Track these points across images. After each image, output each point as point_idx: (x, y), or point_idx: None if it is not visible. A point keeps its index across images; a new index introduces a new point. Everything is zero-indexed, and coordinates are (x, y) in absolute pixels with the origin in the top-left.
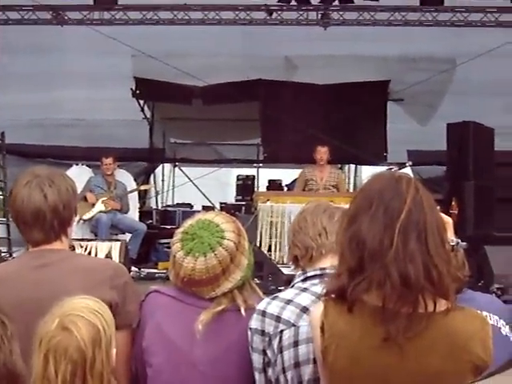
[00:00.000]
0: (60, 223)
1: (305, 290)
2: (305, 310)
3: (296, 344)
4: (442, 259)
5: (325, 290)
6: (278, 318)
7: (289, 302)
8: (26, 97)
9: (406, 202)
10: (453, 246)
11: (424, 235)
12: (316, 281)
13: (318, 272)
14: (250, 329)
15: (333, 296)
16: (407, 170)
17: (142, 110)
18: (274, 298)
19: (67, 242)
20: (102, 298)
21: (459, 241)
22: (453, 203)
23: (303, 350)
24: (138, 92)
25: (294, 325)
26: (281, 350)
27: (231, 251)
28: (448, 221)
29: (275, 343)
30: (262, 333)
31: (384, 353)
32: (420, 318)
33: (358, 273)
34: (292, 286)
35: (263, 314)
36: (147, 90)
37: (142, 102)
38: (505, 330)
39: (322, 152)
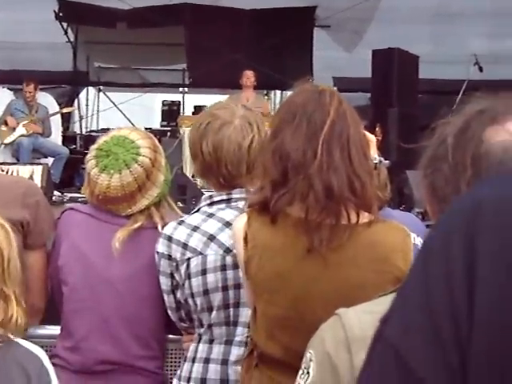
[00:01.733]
0: None
1: (211, 215)
2: (212, 237)
3: (204, 272)
4: (365, 171)
5: (248, 202)
6: (184, 245)
7: (195, 228)
8: None
9: (329, 114)
10: (376, 163)
11: (347, 147)
12: (222, 205)
13: (225, 197)
14: (157, 252)
15: (256, 208)
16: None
17: (66, 32)
18: (180, 223)
19: None
20: (14, 217)
21: (382, 159)
22: (377, 129)
23: (211, 279)
24: (61, 14)
25: (201, 253)
26: (189, 276)
27: (147, 168)
28: (371, 139)
29: (182, 269)
30: (169, 257)
31: (307, 264)
32: (343, 230)
33: (281, 185)
34: (198, 210)
35: (169, 239)
36: (71, 12)
37: (65, 24)
38: (418, 240)
39: (249, 75)
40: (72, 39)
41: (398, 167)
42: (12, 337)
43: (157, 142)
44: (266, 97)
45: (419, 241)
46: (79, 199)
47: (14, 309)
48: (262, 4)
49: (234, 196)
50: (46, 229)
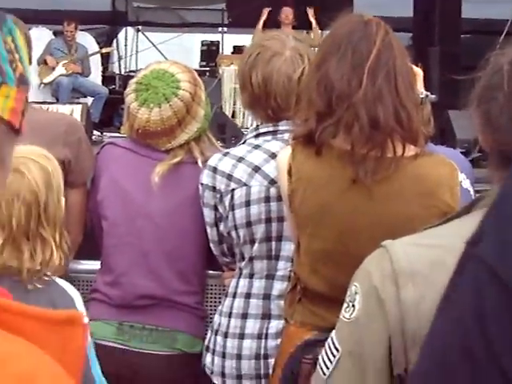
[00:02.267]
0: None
1: (257, 147)
2: (257, 169)
3: (248, 204)
4: (412, 103)
5: (292, 134)
6: (229, 176)
7: (240, 159)
8: None
9: (375, 44)
10: (422, 98)
11: (394, 77)
12: (269, 137)
13: (271, 128)
14: (202, 184)
15: (300, 140)
16: None
17: None
18: (225, 154)
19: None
20: (55, 156)
21: (428, 93)
22: (419, 68)
23: (255, 210)
24: None
25: (245, 184)
26: (232, 208)
27: (187, 102)
28: (418, 72)
29: (226, 200)
30: (213, 189)
31: (352, 195)
32: (389, 162)
33: (326, 116)
34: (244, 142)
35: (214, 170)
36: None
37: None
38: (466, 183)
39: (287, 11)
40: None
41: (439, 106)
42: (51, 277)
43: (197, 75)
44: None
45: (463, 177)
46: (119, 138)
47: (53, 251)
48: None
49: (280, 128)
50: (87, 167)
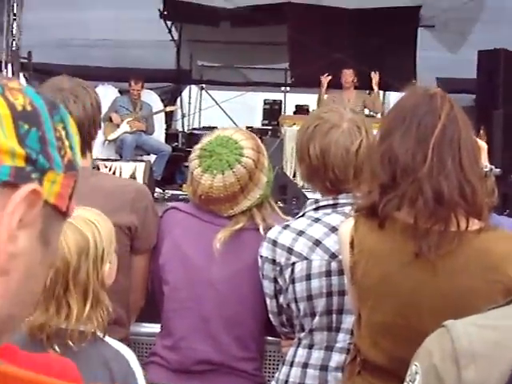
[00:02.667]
0: (84, 139)
1: (317, 220)
2: (317, 242)
3: (309, 277)
4: (476, 177)
5: (355, 206)
6: (289, 250)
7: (301, 233)
8: (53, 16)
9: (440, 118)
10: (486, 171)
11: (458, 152)
12: (329, 210)
13: (331, 201)
14: (261, 256)
15: (363, 212)
16: None
17: (170, 31)
18: (285, 227)
19: (90, 156)
20: (122, 222)
21: (493, 167)
22: (481, 132)
23: (316, 284)
24: (165, 13)
25: (306, 258)
26: (293, 281)
27: (250, 169)
28: (482, 146)
29: (287, 274)
30: (273, 262)
31: (415, 269)
32: (452, 236)
33: (390, 189)
34: (303, 215)
35: (274, 243)
36: (175, 10)
37: (169, 23)
38: None
39: (348, 74)
40: (176, 37)
41: (502, 171)
42: (101, 335)
43: (260, 142)
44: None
45: None
46: (180, 196)
47: (78, 317)
48: (365, 3)
49: (340, 201)
50: (152, 233)
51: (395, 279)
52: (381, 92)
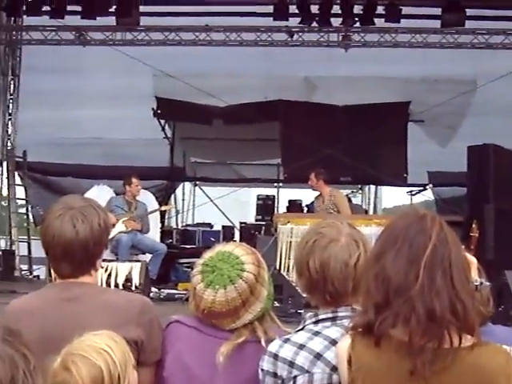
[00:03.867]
0: (89, 259)
1: (317, 333)
2: (318, 356)
3: None
4: (467, 294)
5: (352, 324)
6: (291, 363)
7: (301, 346)
8: (47, 116)
9: (430, 238)
10: (477, 285)
11: (449, 270)
12: (328, 323)
13: (330, 315)
14: (262, 370)
15: (359, 330)
16: (428, 192)
17: (163, 129)
18: (285, 341)
19: (96, 275)
20: (128, 336)
21: (483, 281)
22: (473, 226)
23: None
24: (159, 112)
25: (307, 371)
26: None
27: (251, 283)
28: (472, 261)
29: None
30: (275, 375)
31: None
32: (446, 353)
33: (384, 308)
34: (303, 328)
35: (275, 356)
36: (168, 109)
37: (162, 121)
38: None
39: (311, 178)
40: (169, 135)
41: (495, 266)
42: None
43: (260, 256)
44: (360, 191)
45: None
46: (176, 295)
47: None
48: (356, 100)
49: (339, 314)
50: (158, 347)
51: None
52: (372, 187)
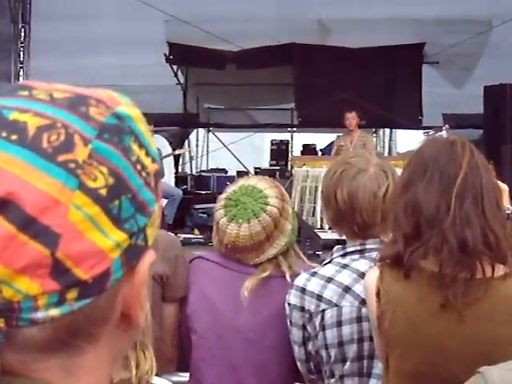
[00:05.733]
0: None
1: (345, 266)
2: (347, 289)
3: (339, 324)
4: (499, 223)
5: (380, 256)
6: (319, 297)
7: (329, 280)
8: (57, 63)
9: (461, 167)
10: (508, 214)
11: (481, 199)
12: (356, 256)
13: (358, 247)
14: (289, 304)
15: (388, 262)
16: (443, 134)
17: (176, 75)
18: (313, 275)
19: None
20: (153, 271)
21: None
22: (490, 166)
23: (347, 331)
24: (171, 57)
25: (336, 305)
26: (323, 328)
27: (275, 217)
28: (504, 188)
29: (317, 321)
30: (302, 309)
31: (442, 318)
32: (478, 284)
33: (414, 239)
34: (330, 261)
35: (302, 290)
36: (180, 55)
37: (175, 67)
38: None
39: (350, 118)
40: (182, 81)
41: None
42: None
43: (284, 190)
44: (374, 135)
45: None
46: (193, 240)
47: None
48: (370, 42)
49: (367, 246)
50: (183, 283)
51: (423, 328)
52: (387, 130)
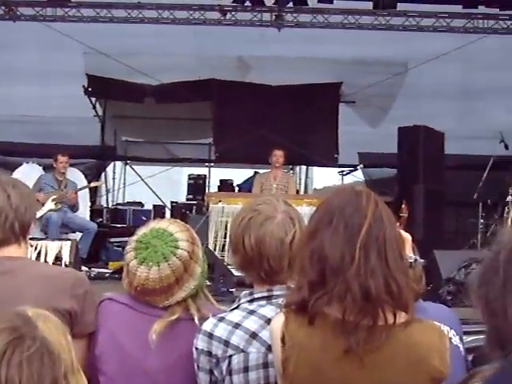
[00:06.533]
0: (21, 225)
1: (252, 312)
2: (254, 335)
3: (246, 370)
4: (401, 273)
5: (285, 302)
6: (226, 343)
7: (237, 325)
8: None
9: (366, 217)
10: (411, 262)
11: (384, 250)
12: (263, 302)
13: (265, 293)
14: (197, 349)
15: (293, 308)
16: (358, 173)
17: (94, 107)
18: (220, 320)
19: (25, 248)
20: (62, 307)
21: (417, 257)
22: (403, 206)
23: (253, 376)
24: (90, 89)
25: (243, 350)
26: (230, 373)
27: (185, 260)
28: (407, 237)
29: (224, 366)
30: (209, 354)
31: (345, 364)
32: (380, 331)
33: (319, 286)
34: (238, 307)
35: (210, 335)
36: (99, 87)
37: (93, 99)
38: (455, 339)
39: (278, 155)
40: (100, 114)
41: (424, 245)
42: None
43: (194, 233)
44: (291, 171)
45: (452, 334)
46: (106, 274)
47: None
48: (288, 80)
49: (275, 293)
50: (91, 320)
51: (327, 373)
52: (304, 167)
